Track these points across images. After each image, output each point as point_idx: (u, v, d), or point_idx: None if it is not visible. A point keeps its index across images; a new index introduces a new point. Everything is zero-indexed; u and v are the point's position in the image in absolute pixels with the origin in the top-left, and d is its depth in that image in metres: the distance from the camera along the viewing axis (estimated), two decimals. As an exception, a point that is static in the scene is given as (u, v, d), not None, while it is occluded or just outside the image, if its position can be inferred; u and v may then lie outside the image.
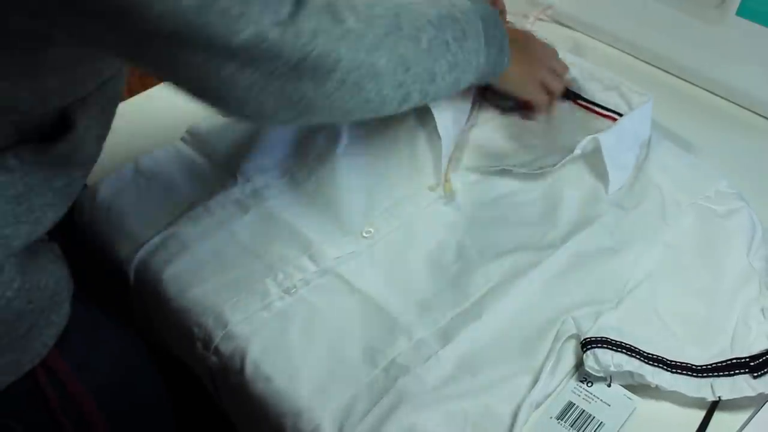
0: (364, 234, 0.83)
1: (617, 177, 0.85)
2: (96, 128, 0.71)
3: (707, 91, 1.01)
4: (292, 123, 0.68)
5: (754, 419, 0.68)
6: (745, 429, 0.68)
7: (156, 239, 0.86)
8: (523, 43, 0.89)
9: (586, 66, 0.95)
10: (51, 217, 0.70)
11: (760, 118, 0.98)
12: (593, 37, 1.08)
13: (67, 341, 0.72)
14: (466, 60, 0.76)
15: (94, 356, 0.76)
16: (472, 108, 0.96)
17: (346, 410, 0.69)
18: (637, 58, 1.07)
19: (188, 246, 0.85)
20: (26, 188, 0.65)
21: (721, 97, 1.00)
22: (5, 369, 0.67)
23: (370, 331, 0.75)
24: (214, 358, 0.76)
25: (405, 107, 0.73)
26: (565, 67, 0.94)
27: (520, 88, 0.91)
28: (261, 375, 0.73)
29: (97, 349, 0.77)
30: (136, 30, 0.54)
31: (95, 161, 0.74)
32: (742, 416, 0.68)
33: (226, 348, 0.75)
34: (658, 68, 1.01)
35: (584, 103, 0.96)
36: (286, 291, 0.79)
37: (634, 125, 0.87)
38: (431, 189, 0.87)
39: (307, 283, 0.79)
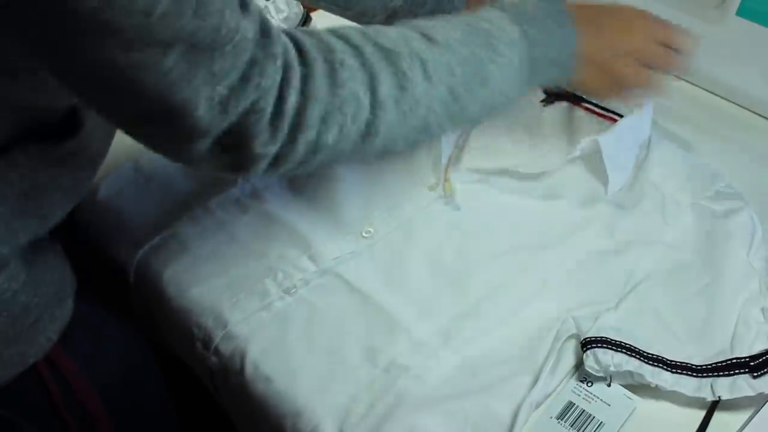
0: (364, 234, 0.83)
1: (617, 178, 0.85)
2: (103, 128, 0.71)
3: (707, 91, 1.01)
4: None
5: (754, 419, 0.68)
6: (746, 429, 0.67)
7: (156, 239, 0.86)
8: (602, 27, 0.77)
9: None
10: (58, 214, 0.70)
11: (760, 118, 0.98)
12: (593, 37, 1.08)
13: (70, 337, 0.72)
14: (482, 104, 0.71)
15: (98, 352, 0.76)
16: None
17: (346, 410, 0.69)
18: (636, 58, 1.07)
19: (188, 246, 0.85)
20: (35, 185, 0.66)
21: (721, 97, 1.00)
22: (10, 361, 0.67)
23: (370, 331, 0.75)
24: (213, 359, 0.76)
25: (385, 158, 0.73)
26: (671, 34, 0.81)
27: (602, 93, 0.83)
28: (261, 375, 0.73)
29: (100, 345, 0.77)
30: (74, 67, 0.53)
31: (102, 161, 0.74)
32: (742, 416, 0.68)
33: (225, 348, 0.75)
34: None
35: (584, 105, 0.96)
36: (286, 291, 0.79)
37: (633, 126, 0.87)
38: (431, 189, 0.87)
39: (307, 283, 0.79)
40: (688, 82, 1.02)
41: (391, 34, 0.66)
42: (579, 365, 0.71)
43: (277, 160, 0.61)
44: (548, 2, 0.75)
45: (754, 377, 0.66)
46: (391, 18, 0.90)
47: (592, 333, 0.70)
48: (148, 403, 0.83)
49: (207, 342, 0.77)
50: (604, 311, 0.73)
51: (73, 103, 0.65)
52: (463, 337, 0.73)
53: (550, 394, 0.70)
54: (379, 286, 0.79)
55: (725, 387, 0.66)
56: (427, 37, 0.67)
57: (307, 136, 0.60)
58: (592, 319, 0.73)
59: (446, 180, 0.87)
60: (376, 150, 0.66)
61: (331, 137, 0.61)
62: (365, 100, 0.62)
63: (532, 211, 0.85)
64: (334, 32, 0.64)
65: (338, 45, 0.62)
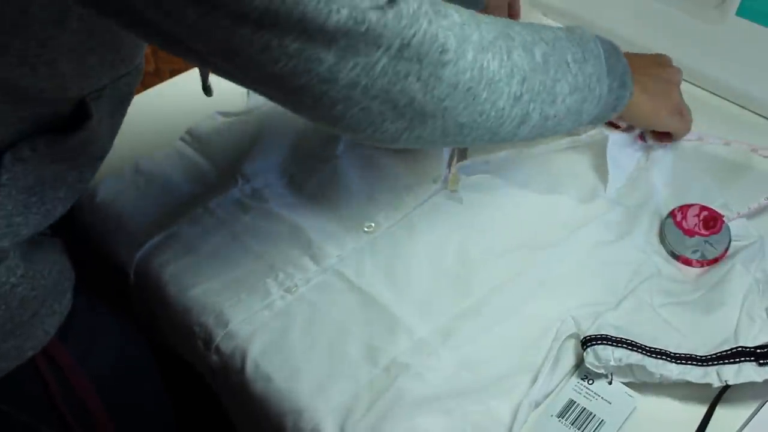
0: (365, 228, 0.83)
1: (617, 176, 0.85)
2: (108, 124, 0.72)
3: (707, 91, 1.01)
4: (399, 141, 0.64)
5: (754, 418, 0.68)
6: (746, 428, 0.67)
7: (156, 239, 0.86)
8: (652, 69, 0.84)
9: None
10: (60, 210, 0.70)
11: (760, 118, 0.98)
12: (593, 38, 1.08)
13: (68, 331, 0.72)
14: (588, 85, 0.72)
15: (96, 346, 0.76)
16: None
17: (347, 409, 0.69)
18: (636, 58, 1.07)
19: (188, 246, 0.85)
20: (39, 180, 0.66)
21: (721, 97, 1.00)
22: (7, 355, 0.68)
23: (371, 329, 0.75)
24: (214, 357, 0.76)
25: (524, 131, 0.69)
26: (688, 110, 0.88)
27: (655, 121, 0.86)
28: (262, 374, 0.73)
29: (98, 339, 0.77)
30: (224, 17, 0.51)
31: (104, 158, 0.74)
32: (742, 415, 0.68)
33: (226, 347, 0.75)
34: (658, 68, 1.01)
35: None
36: (287, 290, 0.79)
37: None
38: (434, 181, 0.87)
39: (308, 282, 0.79)
40: (688, 82, 1.02)
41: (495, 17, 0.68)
42: (579, 364, 0.71)
43: (456, 69, 0.60)
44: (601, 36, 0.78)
45: (760, 365, 0.66)
46: None
47: (592, 331, 0.70)
48: (145, 397, 0.83)
49: (208, 341, 0.77)
50: (604, 311, 0.73)
51: (83, 94, 0.65)
52: (463, 336, 0.73)
53: (550, 393, 0.70)
54: (380, 284, 0.79)
55: (731, 373, 0.66)
56: (525, 22, 0.70)
57: (481, 59, 0.61)
58: (591, 318, 0.73)
59: (452, 173, 0.87)
60: (521, 108, 0.66)
61: (495, 66, 0.62)
62: (507, 43, 0.64)
63: (533, 209, 0.85)
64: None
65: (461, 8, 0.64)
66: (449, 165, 0.88)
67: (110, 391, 0.76)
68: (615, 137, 0.86)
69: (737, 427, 0.67)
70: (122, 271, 0.86)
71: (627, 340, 0.69)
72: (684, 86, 1.02)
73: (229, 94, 1.04)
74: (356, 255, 0.81)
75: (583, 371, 0.70)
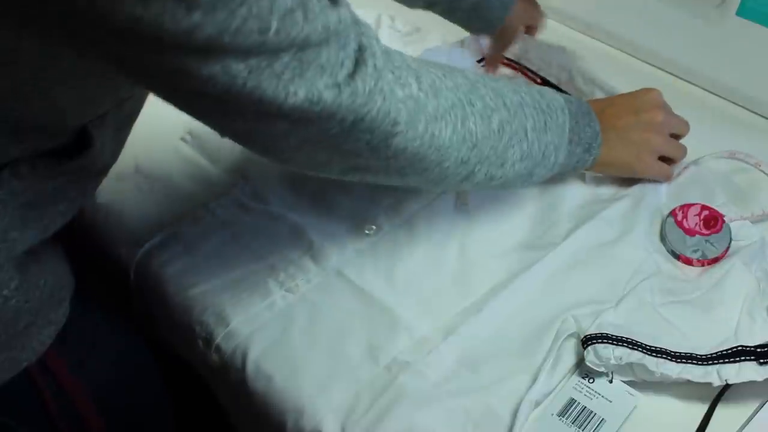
0: (366, 231, 0.83)
1: None
2: (111, 144, 0.71)
3: (707, 91, 1.01)
4: (345, 178, 0.67)
5: (755, 418, 0.68)
6: (746, 427, 0.67)
7: (156, 239, 0.86)
8: (628, 118, 0.83)
9: (588, 72, 0.96)
10: (59, 223, 0.69)
11: (760, 118, 0.98)
12: (593, 37, 1.08)
13: (65, 340, 0.71)
14: (542, 153, 0.74)
15: (92, 353, 0.76)
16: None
17: (348, 408, 0.69)
18: (636, 58, 1.07)
19: (189, 245, 0.85)
20: (38, 196, 0.65)
21: (721, 97, 1.00)
22: (1, 367, 0.67)
23: (372, 328, 0.75)
24: (215, 357, 0.76)
25: (467, 185, 0.72)
26: (686, 126, 0.86)
27: (629, 173, 0.86)
28: (262, 373, 0.73)
29: (95, 345, 0.77)
30: (187, 89, 0.53)
31: (107, 172, 0.74)
32: (743, 414, 0.68)
33: (227, 346, 0.75)
34: (658, 68, 1.01)
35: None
36: (288, 290, 0.79)
37: None
38: None
39: (309, 281, 0.79)
40: (688, 82, 1.03)
41: (467, 71, 0.71)
42: (579, 363, 0.71)
43: (404, 141, 0.62)
44: (573, 96, 0.81)
45: (761, 364, 0.66)
46: (430, 7, 0.95)
47: (592, 330, 0.70)
48: (143, 402, 0.83)
49: (208, 340, 0.77)
50: (605, 310, 0.73)
51: (83, 122, 0.65)
52: (463, 335, 0.73)
53: (550, 392, 0.70)
54: (381, 284, 0.79)
55: (732, 372, 0.66)
56: (496, 81, 0.72)
57: (431, 129, 0.63)
58: (592, 317, 0.73)
59: None
60: (466, 169, 0.69)
61: (446, 134, 0.65)
62: (468, 110, 0.66)
63: (532, 208, 0.85)
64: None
65: (430, 63, 0.67)
66: None
67: (107, 398, 0.75)
68: None
69: (738, 427, 0.67)
70: (122, 271, 0.86)
71: (627, 338, 0.69)
72: (684, 86, 1.02)
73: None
74: (357, 256, 0.81)
75: (583, 370, 0.70)
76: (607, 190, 0.86)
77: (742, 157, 0.89)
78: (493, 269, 0.79)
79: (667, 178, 0.86)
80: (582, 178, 0.87)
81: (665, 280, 0.77)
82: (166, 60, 0.50)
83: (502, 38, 1.00)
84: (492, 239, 0.82)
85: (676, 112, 0.96)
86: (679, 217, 0.81)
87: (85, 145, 0.66)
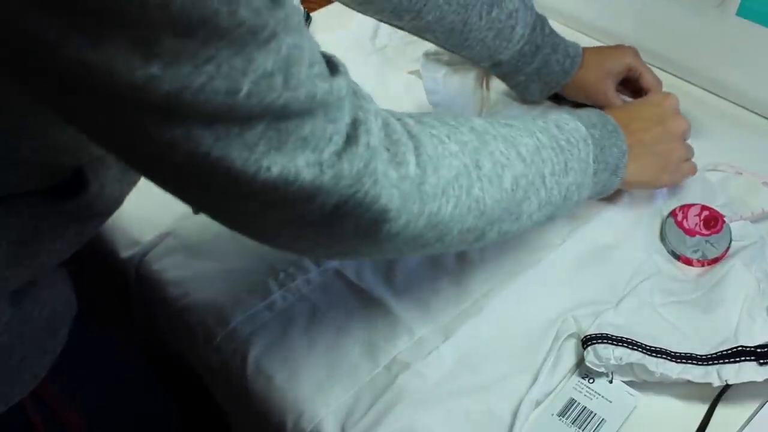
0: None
1: None
2: (116, 186, 0.66)
3: (707, 91, 1.01)
4: (339, 260, 0.62)
5: (755, 418, 0.68)
6: (746, 427, 0.67)
7: (157, 239, 0.86)
8: (653, 130, 0.80)
9: None
10: (55, 262, 0.66)
11: (761, 118, 0.98)
12: (593, 37, 1.08)
13: (60, 367, 0.70)
14: (563, 196, 0.69)
15: (88, 381, 0.75)
16: (481, 108, 0.97)
17: (348, 408, 0.69)
18: (637, 58, 1.07)
19: (189, 245, 0.85)
20: (35, 233, 0.61)
21: (721, 97, 1.00)
22: None
23: (372, 329, 0.75)
24: (215, 357, 0.76)
25: (479, 245, 0.66)
26: (691, 151, 0.84)
27: (652, 187, 0.84)
28: (262, 373, 0.73)
29: (91, 372, 0.75)
30: (141, 153, 0.47)
31: (112, 214, 0.69)
32: (743, 414, 0.68)
33: (227, 346, 0.75)
34: (658, 68, 1.01)
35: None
36: (288, 290, 0.79)
37: None
38: None
39: (309, 282, 0.79)
40: (688, 82, 1.03)
41: (477, 121, 0.65)
42: (579, 363, 0.71)
43: (399, 230, 0.56)
44: (595, 110, 0.77)
45: (761, 364, 0.66)
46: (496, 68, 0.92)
47: (592, 330, 0.70)
48: (140, 419, 0.82)
49: (208, 340, 0.77)
50: (605, 310, 0.74)
51: (79, 163, 0.60)
52: (463, 335, 0.73)
53: (550, 392, 0.70)
54: (380, 285, 0.79)
55: (732, 372, 0.66)
56: (510, 126, 0.66)
57: (430, 208, 0.57)
58: (592, 317, 0.73)
59: None
60: (476, 232, 0.62)
61: (449, 211, 0.58)
62: (474, 175, 0.60)
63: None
64: (424, 114, 0.62)
65: (435, 122, 0.60)
66: None
67: (103, 423, 0.74)
68: None
69: (738, 427, 0.67)
70: (122, 271, 0.86)
71: (627, 338, 0.69)
72: (684, 86, 1.02)
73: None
74: (357, 255, 0.82)
75: (583, 370, 0.70)
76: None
77: (724, 168, 0.89)
78: (493, 270, 0.79)
79: (693, 174, 0.84)
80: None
81: (665, 281, 0.77)
82: (117, 116, 0.44)
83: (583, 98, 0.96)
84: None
85: (676, 112, 0.97)
86: (679, 218, 0.81)
87: (81, 186, 0.61)
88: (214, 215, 0.54)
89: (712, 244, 0.79)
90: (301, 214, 0.51)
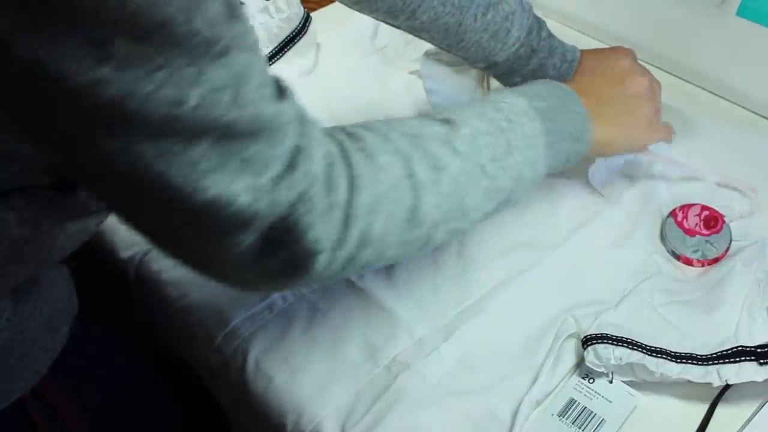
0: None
1: (600, 167, 0.86)
2: None
3: (707, 91, 1.01)
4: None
5: (755, 418, 0.68)
6: (746, 428, 0.67)
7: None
8: (612, 88, 0.78)
9: None
10: (57, 258, 0.66)
11: (761, 119, 0.98)
12: (593, 37, 1.08)
13: (60, 365, 0.70)
14: (514, 178, 0.66)
15: (89, 378, 0.75)
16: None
17: (348, 408, 0.69)
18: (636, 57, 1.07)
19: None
20: (34, 230, 0.61)
21: (722, 98, 1.00)
22: None
23: (372, 329, 0.75)
24: (215, 357, 0.76)
25: (429, 250, 0.63)
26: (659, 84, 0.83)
27: (627, 149, 0.82)
28: (262, 373, 0.73)
29: (91, 370, 0.75)
30: (80, 162, 0.46)
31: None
32: (743, 414, 0.68)
33: (227, 347, 0.75)
34: (658, 68, 1.01)
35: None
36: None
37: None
38: None
39: (309, 282, 0.79)
40: (688, 82, 1.03)
41: (410, 122, 0.63)
42: (580, 363, 0.71)
43: (328, 259, 0.54)
44: (543, 80, 0.75)
45: (761, 364, 0.66)
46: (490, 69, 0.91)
47: (592, 330, 0.70)
48: (141, 419, 0.81)
49: (208, 340, 0.77)
50: (605, 310, 0.74)
51: None
52: (463, 336, 0.73)
53: (550, 393, 0.70)
54: (380, 285, 0.79)
55: (732, 372, 0.66)
56: (445, 120, 0.64)
57: (358, 228, 0.54)
58: (592, 317, 0.73)
59: None
60: (419, 241, 0.60)
61: (379, 227, 0.56)
62: (406, 185, 0.58)
63: (532, 209, 0.85)
64: (355, 125, 0.60)
65: (365, 133, 0.58)
66: None
67: (103, 422, 0.74)
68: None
69: (738, 427, 0.67)
70: (122, 271, 0.86)
71: (627, 339, 0.69)
72: (684, 86, 1.02)
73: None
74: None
75: (583, 370, 0.70)
76: (607, 191, 0.86)
77: (737, 184, 0.87)
78: (493, 270, 0.79)
79: (671, 137, 0.84)
80: (583, 178, 0.87)
81: (665, 281, 0.77)
82: (60, 120, 0.43)
83: None
84: (492, 240, 0.82)
85: (677, 111, 0.97)
86: (679, 218, 0.81)
87: (72, 184, 0.61)
88: (152, 238, 0.52)
89: (712, 244, 0.79)
90: (234, 240, 0.49)
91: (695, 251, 0.79)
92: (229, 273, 0.54)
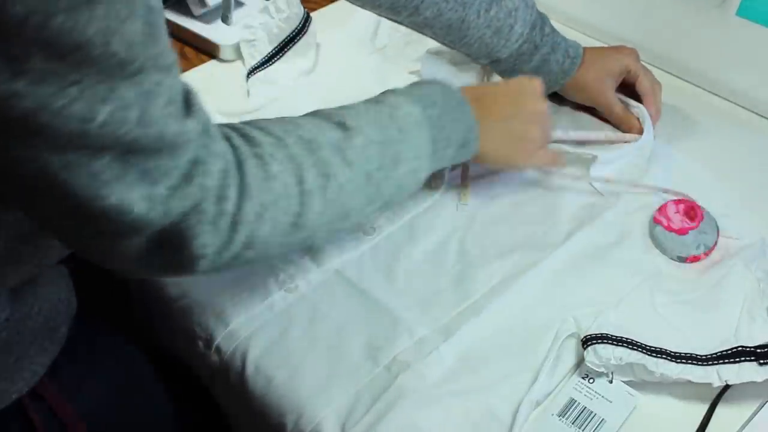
0: (366, 233, 0.83)
1: (601, 163, 0.87)
2: None
3: (707, 91, 1.01)
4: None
5: (755, 418, 0.68)
6: (746, 428, 0.67)
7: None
8: (510, 109, 0.79)
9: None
10: (56, 257, 0.67)
11: (761, 119, 0.98)
12: (593, 37, 1.08)
13: (59, 365, 0.70)
14: (396, 186, 0.70)
15: (87, 378, 0.74)
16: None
17: (348, 408, 0.69)
18: (637, 58, 1.07)
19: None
20: (32, 229, 0.62)
21: (722, 98, 1.00)
22: None
23: (372, 329, 0.75)
24: (215, 357, 0.76)
25: (307, 248, 0.68)
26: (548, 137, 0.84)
27: (508, 167, 0.85)
28: (262, 374, 0.73)
29: (91, 368, 0.75)
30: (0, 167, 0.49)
31: None
32: (743, 415, 0.68)
33: (227, 347, 0.75)
34: (658, 68, 1.01)
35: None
36: (288, 290, 0.79)
37: (633, 152, 0.89)
38: (435, 188, 0.87)
39: (309, 281, 0.79)
40: (688, 82, 1.03)
41: (308, 125, 0.65)
42: (579, 363, 0.71)
43: (212, 260, 0.58)
44: (442, 85, 0.75)
45: (761, 364, 0.66)
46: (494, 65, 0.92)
47: (592, 331, 0.70)
48: (140, 419, 0.81)
49: (208, 341, 0.76)
50: (605, 310, 0.74)
51: None
52: (463, 336, 0.73)
53: (550, 393, 0.70)
54: (380, 284, 0.79)
55: (732, 373, 0.66)
56: (341, 125, 0.66)
57: (244, 233, 0.58)
58: (592, 317, 0.73)
59: (465, 187, 0.87)
60: (301, 241, 0.65)
61: (265, 232, 0.60)
62: (294, 192, 0.61)
63: (533, 209, 0.85)
64: (254, 124, 0.63)
65: (263, 138, 0.61)
66: (462, 178, 0.88)
67: (101, 422, 0.73)
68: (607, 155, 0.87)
69: (738, 427, 0.67)
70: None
71: (627, 339, 0.69)
72: (684, 86, 1.02)
73: (230, 94, 1.04)
74: (357, 257, 0.81)
75: (583, 370, 0.70)
76: (607, 191, 0.86)
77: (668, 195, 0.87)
78: (493, 270, 0.79)
79: (555, 165, 0.85)
80: (583, 177, 0.87)
81: (665, 281, 0.77)
82: None
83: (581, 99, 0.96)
84: (492, 240, 0.82)
85: (676, 111, 0.97)
86: (665, 223, 0.81)
87: None
88: (56, 236, 0.57)
89: (704, 232, 0.80)
90: (128, 242, 0.53)
91: (697, 247, 0.79)
92: (126, 267, 0.58)
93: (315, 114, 0.68)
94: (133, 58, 0.46)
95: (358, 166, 0.65)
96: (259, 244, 0.60)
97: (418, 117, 0.70)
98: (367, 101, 0.71)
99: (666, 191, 0.85)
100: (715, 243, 0.79)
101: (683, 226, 0.80)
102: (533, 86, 0.80)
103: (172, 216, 0.53)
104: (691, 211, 0.81)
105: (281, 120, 0.65)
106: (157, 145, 0.50)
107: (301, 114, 0.68)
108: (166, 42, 0.49)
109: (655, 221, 0.82)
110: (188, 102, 0.53)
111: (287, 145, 0.62)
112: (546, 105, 0.81)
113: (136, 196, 0.50)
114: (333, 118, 0.67)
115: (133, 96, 0.47)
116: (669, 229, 0.81)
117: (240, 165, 0.58)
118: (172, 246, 0.55)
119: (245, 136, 0.60)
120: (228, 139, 0.58)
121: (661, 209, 0.82)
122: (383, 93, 0.74)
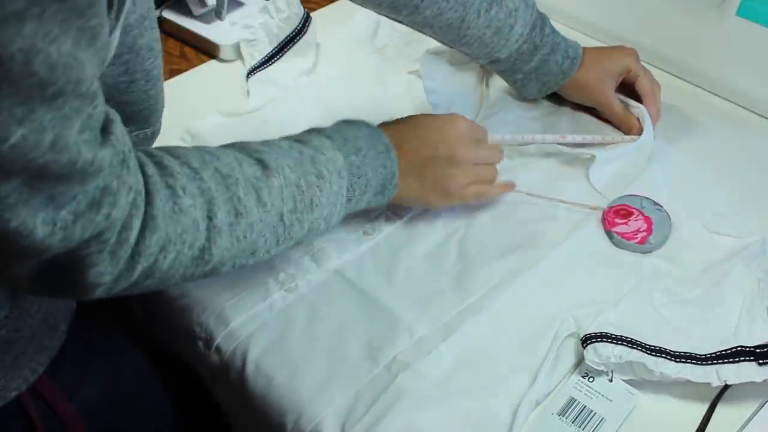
0: (365, 233, 0.83)
1: (601, 166, 0.87)
2: None
3: (707, 91, 1.01)
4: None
5: (755, 417, 0.68)
6: (746, 428, 0.67)
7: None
8: (429, 151, 0.78)
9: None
10: None
11: (761, 119, 0.98)
12: (593, 37, 1.08)
13: (58, 362, 0.70)
14: (307, 229, 0.70)
15: (86, 376, 0.74)
16: (480, 108, 0.97)
17: (348, 408, 0.69)
18: (637, 58, 1.07)
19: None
20: None
21: (721, 98, 1.00)
22: None
23: (372, 329, 0.75)
24: (215, 357, 0.76)
25: (212, 275, 0.66)
26: (496, 156, 0.84)
27: (425, 204, 0.83)
28: (262, 373, 0.73)
29: (90, 366, 0.75)
30: None
31: None
32: (743, 414, 0.68)
33: (227, 347, 0.75)
34: (658, 68, 1.01)
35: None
36: (288, 290, 0.79)
37: (631, 152, 0.90)
38: None
39: (309, 281, 0.79)
40: (688, 82, 1.03)
41: (227, 159, 0.64)
42: (579, 363, 0.71)
43: (109, 288, 0.57)
44: (369, 128, 0.76)
45: (760, 364, 0.66)
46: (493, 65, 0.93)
47: (592, 330, 0.70)
48: (139, 424, 0.81)
49: (208, 341, 0.76)
50: (604, 309, 0.74)
51: None
52: (463, 335, 0.73)
53: (550, 392, 0.70)
54: (380, 284, 0.79)
55: (731, 372, 0.66)
56: (261, 163, 0.66)
57: (144, 264, 0.57)
58: (592, 317, 0.73)
59: None
60: (204, 274, 0.64)
61: (166, 264, 0.58)
62: (202, 227, 0.60)
63: (532, 209, 0.85)
64: (172, 152, 0.62)
65: (178, 168, 0.60)
66: None
67: (101, 420, 0.73)
68: (606, 155, 0.87)
69: (738, 427, 0.67)
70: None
71: (627, 337, 0.69)
72: (684, 86, 1.02)
73: (230, 94, 1.04)
74: (357, 257, 0.81)
75: (583, 369, 0.70)
76: (607, 191, 0.86)
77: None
78: (493, 270, 0.79)
79: (488, 198, 0.84)
80: (583, 178, 0.87)
81: (665, 280, 0.77)
82: None
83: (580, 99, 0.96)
84: (492, 240, 0.82)
85: (676, 111, 0.97)
86: (622, 231, 0.82)
87: None
88: None
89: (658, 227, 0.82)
90: (26, 264, 0.52)
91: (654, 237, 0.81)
92: (22, 287, 0.57)
93: (236, 147, 0.67)
94: (53, 80, 0.44)
95: (272, 207, 0.65)
96: (159, 275, 0.59)
97: (340, 164, 0.71)
98: (292, 139, 0.72)
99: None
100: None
101: (637, 229, 0.81)
102: (457, 129, 0.80)
103: (72, 242, 0.51)
104: (623, 210, 0.83)
105: (200, 150, 0.64)
106: (68, 171, 0.48)
107: (226, 144, 0.68)
108: (94, 67, 0.48)
109: (615, 234, 0.82)
110: (107, 131, 0.52)
111: (202, 178, 0.61)
112: (468, 148, 0.80)
113: (39, 221, 0.48)
114: (254, 154, 0.66)
115: (49, 120, 0.45)
116: (626, 237, 0.81)
117: (150, 196, 0.56)
118: (66, 271, 0.54)
119: (159, 164, 0.59)
120: (142, 166, 0.57)
121: (608, 221, 0.83)
122: (309, 131, 0.74)
